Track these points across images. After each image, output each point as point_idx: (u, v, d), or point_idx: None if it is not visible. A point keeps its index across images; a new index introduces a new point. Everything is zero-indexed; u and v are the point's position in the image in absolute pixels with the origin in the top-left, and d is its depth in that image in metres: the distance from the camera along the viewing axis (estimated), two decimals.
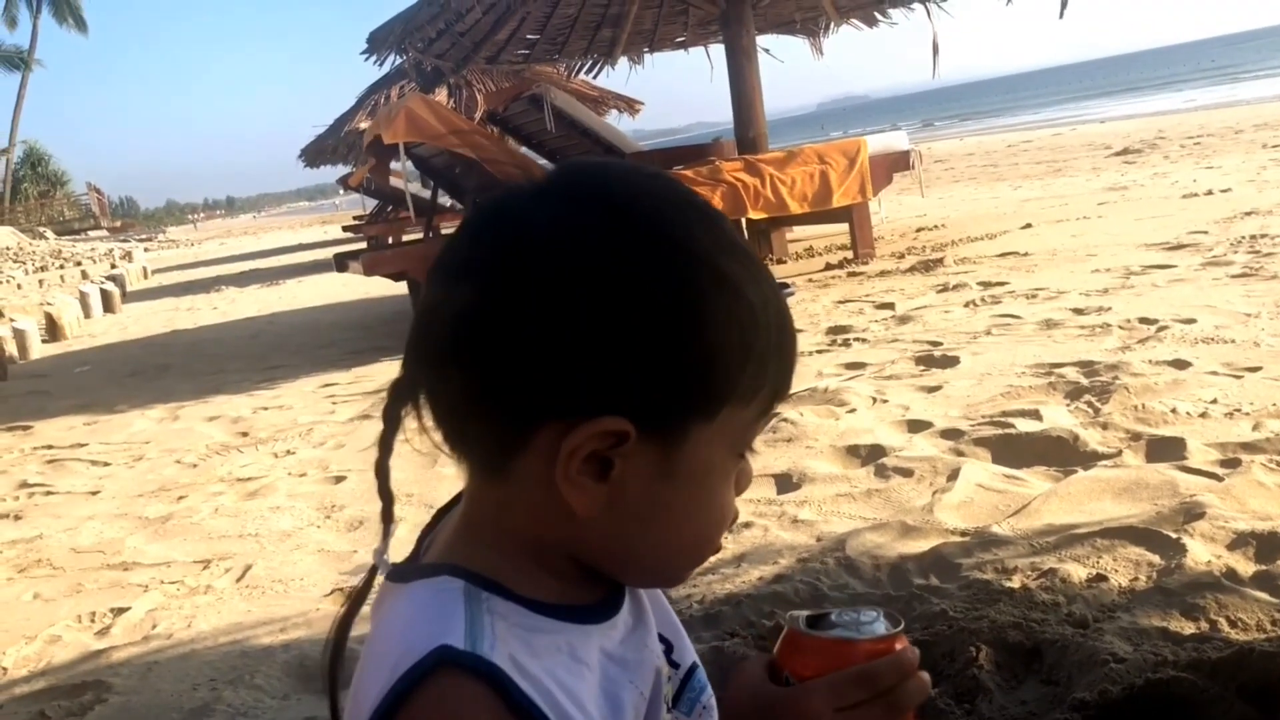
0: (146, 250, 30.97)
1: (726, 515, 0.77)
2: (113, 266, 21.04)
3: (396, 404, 0.75)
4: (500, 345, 0.68)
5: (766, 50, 10.61)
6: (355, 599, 0.79)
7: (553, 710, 0.68)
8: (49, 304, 12.09)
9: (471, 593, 0.71)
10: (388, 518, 0.78)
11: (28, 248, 28.17)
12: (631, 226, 0.70)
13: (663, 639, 0.85)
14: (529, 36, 10.60)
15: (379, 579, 0.80)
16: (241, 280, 16.75)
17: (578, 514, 0.70)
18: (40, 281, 19.09)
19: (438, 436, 0.74)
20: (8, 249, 27.45)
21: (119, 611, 3.17)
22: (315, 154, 22.47)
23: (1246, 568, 2.42)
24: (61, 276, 19.40)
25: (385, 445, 0.77)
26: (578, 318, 0.67)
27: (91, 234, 38.96)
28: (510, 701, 0.66)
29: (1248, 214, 7.61)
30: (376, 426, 0.77)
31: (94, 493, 4.63)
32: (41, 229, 36.20)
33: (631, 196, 0.72)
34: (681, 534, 0.75)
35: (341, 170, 22.59)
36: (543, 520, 0.72)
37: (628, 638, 0.78)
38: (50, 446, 5.71)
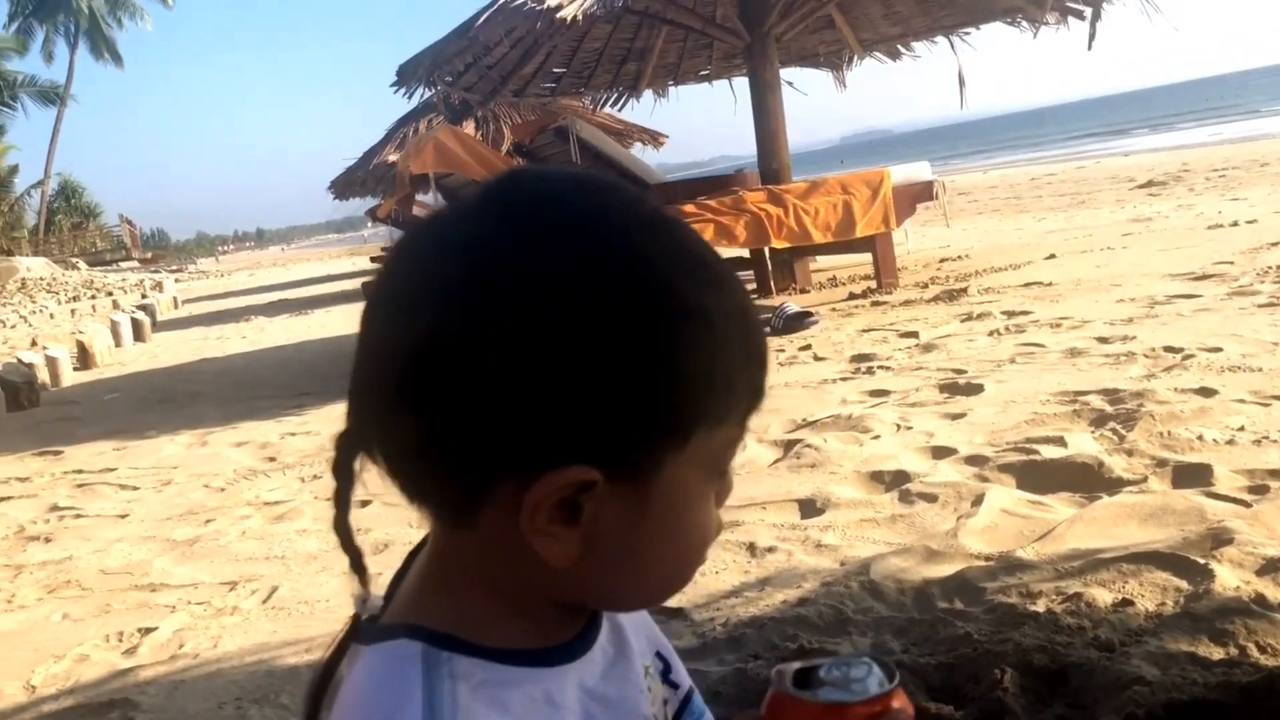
0: (177, 281, 31.36)
1: (709, 534, 0.73)
2: (143, 296, 21.29)
3: (347, 456, 0.70)
4: (447, 397, 0.63)
5: (790, 83, 10.70)
6: (334, 653, 0.74)
7: None
8: (80, 332, 12.24)
9: (431, 656, 0.66)
10: (359, 570, 0.73)
11: (61, 278, 28.57)
12: (577, 255, 0.64)
13: (660, 657, 0.83)
14: (555, 70, 10.72)
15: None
16: (271, 310, 16.90)
17: (551, 563, 0.66)
18: (72, 311, 19.33)
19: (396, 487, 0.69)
20: (41, 279, 27.86)
21: (146, 631, 3.20)
22: (344, 186, 22.72)
23: (1276, 594, 2.40)
24: (93, 306, 19.64)
25: (341, 501, 0.71)
26: (524, 365, 0.62)
27: (123, 265, 39.46)
28: None
29: (1274, 244, 7.57)
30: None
31: (123, 516, 4.68)
32: (74, 260, 36.73)
33: (575, 217, 0.66)
34: (664, 562, 0.72)
35: (370, 202, 22.80)
36: (516, 569, 0.68)
37: (609, 670, 0.75)
38: (80, 471, 5.78)
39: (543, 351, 0.62)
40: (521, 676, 0.68)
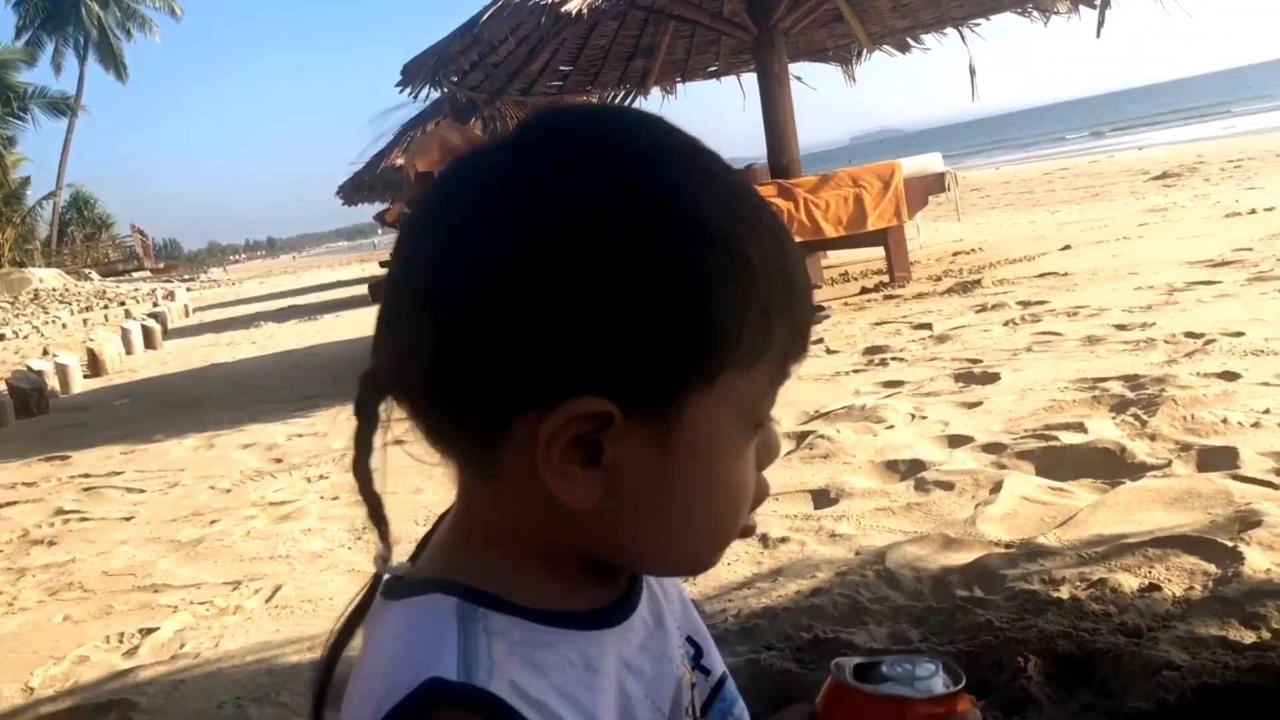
0: (189, 290, 31.41)
1: (746, 491, 0.68)
2: (155, 305, 21.33)
3: (370, 398, 0.67)
4: (456, 331, 0.61)
5: (798, 78, 10.61)
6: (355, 611, 0.70)
7: None
8: (91, 340, 12.24)
9: (466, 611, 0.63)
10: (378, 520, 0.69)
11: (73, 289, 28.72)
12: (592, 176, 0.61)
13: (692, 642, 0.79)
14: (562, 68, 10.67)
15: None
16: (280, 316, 16.89)
17: (571, 508, 0.63)
18: (85, 321, 19.42)
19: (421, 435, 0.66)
20: (54, 290, 28.00)
21: (147, 632, 3.14)
22: (353, 191, 22.66)
23: None
24: (106, 316, 19.72)
25: (362, 443, 0.68)
26: (532, 291, 0.59)
27: (135, 275, 39.63)
28: None
29: None
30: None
31: (128, 518, 4.63)
32: (87, 270, 36.92)
33: (597, 142, 0.64)
34: (695, 516, 0.67)
35: (378, 207, 22.77)
36: (541, 517, 0.65)
37: (646, 642, 0.71)
38: (87, 475, 5.73)
39: (556, 279, 0.60)
40: (559, 638, 0.64)
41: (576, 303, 0.59)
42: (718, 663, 0.81)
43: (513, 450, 0.62)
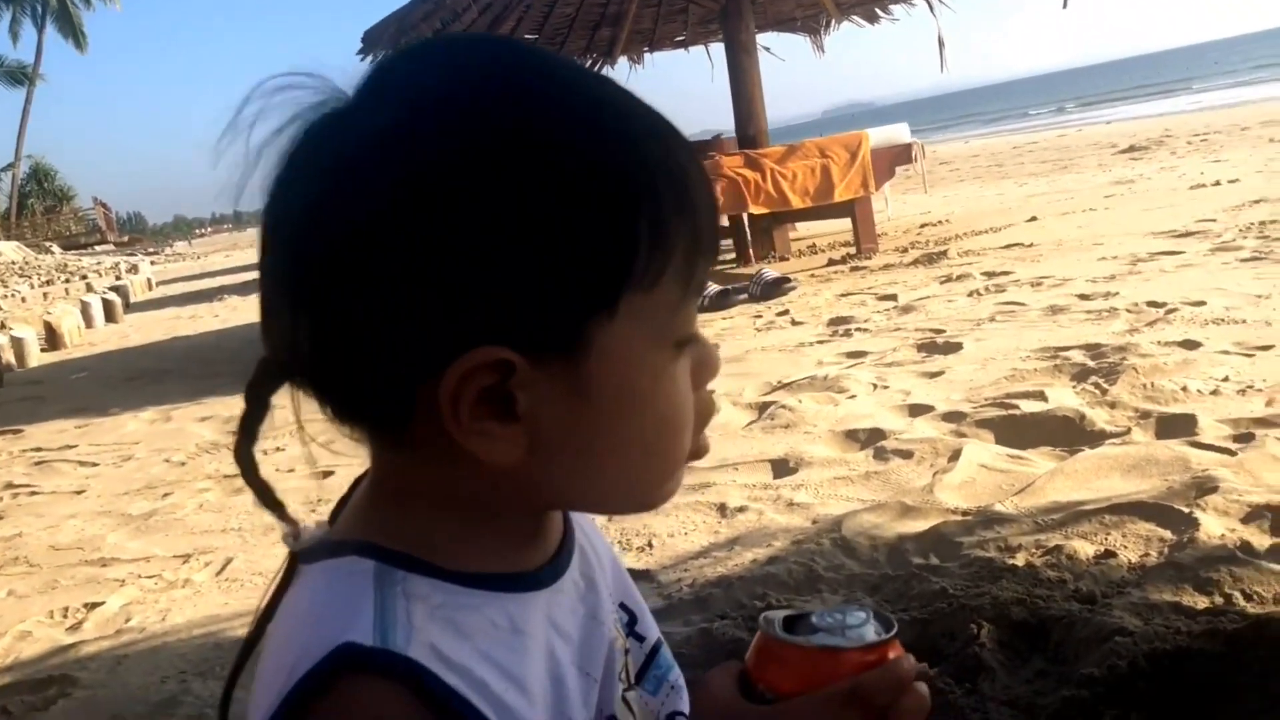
0: (153, 263, 30.95)
1: (681, 415, 0.64)
2: (118, 279, 21.01)
3: (261, 384, 0.65)
4: (327, 316, 0.58)
5: (767, 48, 10.54)
6: (279, 589, 0.67)
7: (487, 702, 0.57)
8: (49, 314, 12.03)
9: (383, 574, 0.60)
10: (271, 505, 0.67)
11: (34, 262, 28.24)
12: (438, 116, 0.57)
13: (625, 609, 0.76)
14: (527, 36, 10.51)
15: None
16: (245, 289, 16.66)
17: (493, 465, 0.59)
18: (45, 294, 19.08)
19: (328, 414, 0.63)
20: (14, 263, 27.53)
21: (92, 606, 3.07)
22: None
23: (1261, 541, 2.31)
24: (66, 289, 19.38)
25: (246, 429, 0.66)
26: (390, 254, 0.56)
27: (98, 249, 39.02)
28: (434, 700, 0.56)
29: (1256, 202, 7.48)
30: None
31: (79, 492, 4.54)
32: (48, 244, 36.33)
33: (444, 77, 0.60)
34: (630, 451, 0.63)
35: None
36: (465, 479, 0.61)
37: (577, 605, 0.69)
38: (39, 449, 5.62)
39: (413, 233, 0.55)
40: (483, 601, 0.61)
41: (443, 253, 0.55)
42: (652, 629, 0.78)
43: (422, 420, 0.59)
